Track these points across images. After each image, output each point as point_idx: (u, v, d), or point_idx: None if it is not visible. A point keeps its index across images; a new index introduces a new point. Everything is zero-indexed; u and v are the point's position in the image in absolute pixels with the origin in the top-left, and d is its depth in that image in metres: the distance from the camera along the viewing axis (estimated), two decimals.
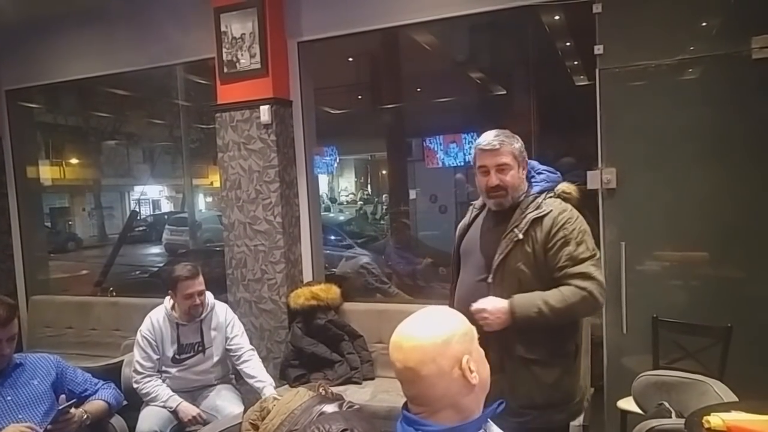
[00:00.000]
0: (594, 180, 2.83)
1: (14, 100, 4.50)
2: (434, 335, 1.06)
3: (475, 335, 1.11)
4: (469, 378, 1.06)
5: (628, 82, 2.77)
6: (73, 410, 1.94)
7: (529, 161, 1.90)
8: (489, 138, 1.82)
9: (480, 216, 1.95)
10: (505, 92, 7.59)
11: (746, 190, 2.60)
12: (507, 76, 7.40)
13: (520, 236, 1.74)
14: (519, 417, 1.70)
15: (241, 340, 2.75)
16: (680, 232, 2.73)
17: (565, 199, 1.82)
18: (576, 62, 6.28)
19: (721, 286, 2.67)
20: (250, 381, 2.65)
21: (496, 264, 1.77)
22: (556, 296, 1.68)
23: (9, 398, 1.91)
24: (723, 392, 1.91)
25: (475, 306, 1.71)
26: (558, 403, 1.79)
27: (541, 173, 1.88)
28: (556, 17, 4.96)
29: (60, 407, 1.89)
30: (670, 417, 1.90)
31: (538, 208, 1.76)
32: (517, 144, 1.83)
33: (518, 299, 1.71)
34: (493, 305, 1.72)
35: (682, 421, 1.71)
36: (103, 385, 2.23)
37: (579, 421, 2.48)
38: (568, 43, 5.82)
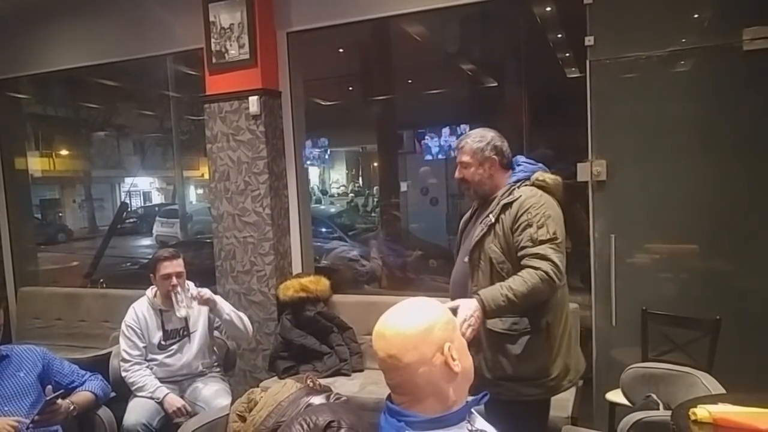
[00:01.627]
0: (584, 172, 2.83)
1: (2, 90, 4.45)
2: (416, 323, 1.07)
3: (458, 324, 1.14)
4: (451, 365, 1.06)
5: (618, 74, 2.75)
6: (59, 401, 1.94)
7: (517, 157, 2.05)
8: (462, 137, 2.06)
9: (477, 210, 2.13)
10: (496, 84, 7.56)
11: (737, 182, 2.61)
12: (498, 67, 7.37)
13: (493, 220, 1.91)
14: (493, 387, 1.75)
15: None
16: (670, 225, 2.74)
17: (540, 187, 1.94)
18: (567, 54, 6.26)
19: (710, 278, 2.68)
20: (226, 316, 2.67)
21: (473, 245, 1.95)
22: (517, 282, 1.80)
23: None
24: (711, 384, 1.91)
25: (459, 319, 1.74)
26: (529, 377, 1.89)
27: (521, 165, 2.02)
28: (548, 8, 4.94)
29: (47, 398, 1.88)
30: (658, 409, 1.91)
31: (510, 194, 1.93)
32: (478, 144, 1.98)
33: (485, 293, 1.82)
34: (468, 308, 1.77)
35: (670, 413, 1.72)
36: (90, 376, 2.22)
37: (567, 412, 2.51)
38: (559, 35, 5.80)
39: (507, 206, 1.90)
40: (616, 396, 2.47)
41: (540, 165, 2.04)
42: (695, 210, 2.67)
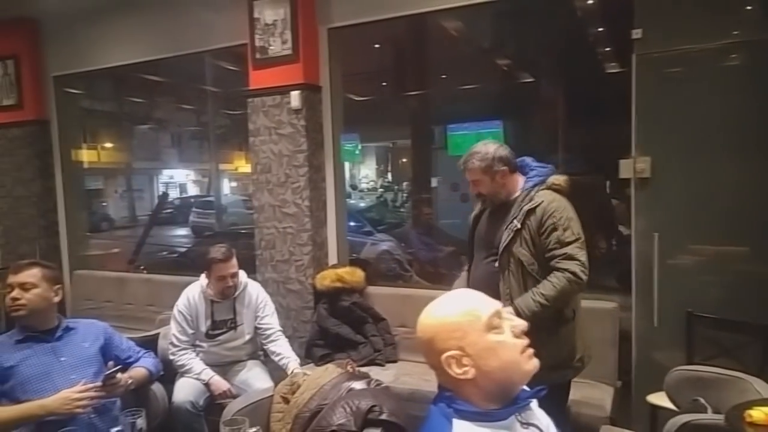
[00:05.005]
0: (626, 169, 2.78)
1: (60, 86, 4.67)
2: (423, 332, 1.07)
3: (483, 324, 1.03)
4: (456, 373, 1.03)
5: (665, 68, 2.69)
6: (119, 375, 2.03)
7: (524, 159, 2.18)
8: (463, 157, 2.16)
9: (487, 209, 2.24)
10: (532, 80, 7.47)
11: None
12: (535, 63, 7.27)
13: (519, 225, 2.04)
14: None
15: (271, 320, 2.80)
16: (717, 225, 2.65)
17: (556, 190, 2.08)
18: (608, 48, 6.13)
19: (760, 282, 2.56)
20: (276, 358, 2.72)
21: (501, 250, 2.06)
22: (547, 287, 1.97)
23: (63, 359, 2.00)
24: (764, 390, 1.84)
25: None
26: (561, 362, 2.06)
27: (534, 169, 2.15)
28: (589, 1, 4.85)
29: (107, 371, 1.98)
30: (706, 413, 1.86)
31: (531, 200, 2.05)
32: (481, 163, 2.09)
33: (519, 302, 1.98)
34: None
35: (720, 416, 1.68)
36: (144, 353, 2.32)
37: (605, 412, 2.49)
38: (600, 29, 5.69)
39: (531, 212, 2.02)
40: (658, 399, 2.42)
41: (550, 167, 2.16)
42: (745, 210, 2.57)
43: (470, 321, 1.04)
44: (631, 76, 2.73)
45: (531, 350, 1.06)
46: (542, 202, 2.02)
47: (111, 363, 2.04)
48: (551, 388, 1.91)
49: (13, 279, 2.00)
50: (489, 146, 2.12)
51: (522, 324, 1.08)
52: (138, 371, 2.20)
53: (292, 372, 2.51)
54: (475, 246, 2.23)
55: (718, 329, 2.47)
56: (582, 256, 1.97)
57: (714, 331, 2.48)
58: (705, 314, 2.53)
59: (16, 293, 1.98)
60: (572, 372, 2.13)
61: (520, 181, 2.13)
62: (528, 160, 2.18)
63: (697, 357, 2.51)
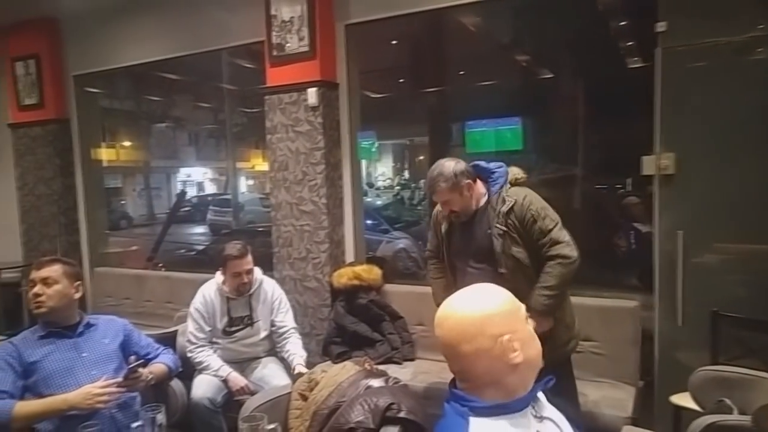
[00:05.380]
0: (649, 166, 2.73)
1: (80, 85, 4.74)
2: (474, 313, 1.05)
3: (523, 314, 1.10)
4: (510, 357, 1.03)
5: (690, 62, 2.63)
6: (141, 370, 2.06)
7: (476, 164, 2.27)
8: (427, 184, 2.25)
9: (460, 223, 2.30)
10: (552, 75, 7.37)
11: None
12: (554, 58, 7.17)
13: (504, 228, 2.14)
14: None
15: (285, 318, 2.82)
16: (743, 223, 2.59)
17: (521, 184, 2.21)
18: (630, 43, 6.01)
19: None
20: (285, 355, 2.75)
21: (498, 256, 2.15)
22: (546, 279, 2.10)
23: (85, 354, 2.03)
24: None
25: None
26: (563, 334, 2.22)
27: (494, 171, 2.23)
28: None
29: (131, 365, 2.01)
30: (732, 413, 1.82)
31: (504, 201, 2.15)
32: (446, 184, 2.15)
33: (530, 302, 2.05)
34: None
35: (746, 418, 1.63)
36: (163, 350, 2.35)
37: (627, 412, 2.45)
38: (622, 23, 5.58)
39: (509, 212, 2.13)
40: (682, 399, 2.36)
41: (502, 163, 2.25)
42: None
43: (516, 309, 1.09)
44: (654, 71, 2.67)
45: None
46: (515, 200, 2.13)
47: (133, 357, 2.07)
48: (563, 364, 2.16)
49: (35, 274, 2.04)
50: (446, 165, 2.18)
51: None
52: (158, 367, 2.24)
53: (294, 369, 2.56)
54: (456, 257, 2.32)
55: (744, 329, 2.41)
56: (564, 236, 2.12)
57: (740, 330, 2.42)
58: (730, 314, 2.47)
59: (38, 289, 2.01)
60: (576, 341, 2.31)
61: (481, 186, 2.23)
62: (482, 164, 2.27)
63: (722, 357, 2.45)
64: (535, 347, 1.09)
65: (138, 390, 2.08)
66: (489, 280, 2.03)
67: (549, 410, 1.13)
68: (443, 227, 2.34)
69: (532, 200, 2.14)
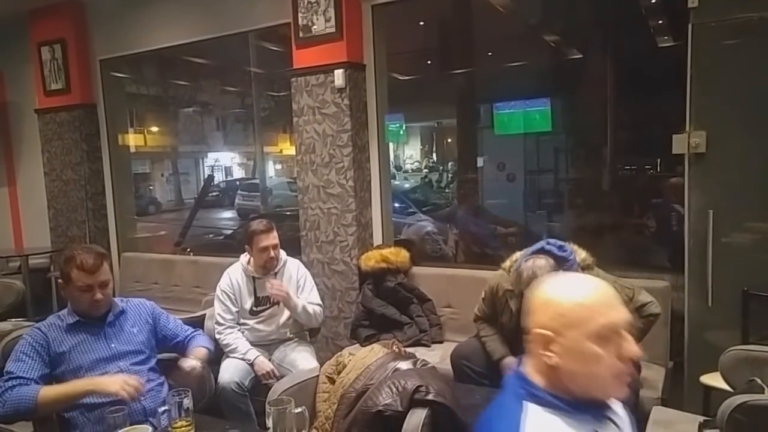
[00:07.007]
0: (680, 144, 2.67)
1: (107, 69, 4.79)
2: (539, 295, 1.04)
3: (588, 327, 0.97)
4: (541, 351, 1.01)
5: (723, 39, 2.55)
6: (192, 362, 2.09)
7: (550, 250, 2.28)
8: (518, 284, 2.26)
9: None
10: (581, 56, 7.20)
11: None
12: (583, 38, 7.00)
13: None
14: None
15: (310, 295, 2.86)
16: None
17: (588, 266, 2.40)
18: (660, 21, 5.83)
19: None
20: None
21: None
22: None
23: (113, 345, 2.00)
24: None
25: None
26: None
27: (569, 260, 2.27)
28: None
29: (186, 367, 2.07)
30: (763, 393, 1.80)
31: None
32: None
33: None
34: None
35: None
36: (193, 332, 2.32)
37: (657, 393, 2.44)
38: (653, 0, 5.41)
39: None
40: (712, 379, 2.34)
41: (564, 245, 2.33)
42: None
43: (581, 318, 0.98)
44: (686, 48, 2.60)
45: (628, 379, 1.01)
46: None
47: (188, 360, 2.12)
48: None
49: (92, 279, 1.94)
50: (541, 268, 2.17)
51: (636, 352, 0.99)
52: (200, 352, 2.19)
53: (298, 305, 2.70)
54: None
55: None
56: (648, 295, 2.41)
57: None
58: (761, 293, 2.43)
59: (98, 296, 1.95)
60: None
61: None
62: (555, 251, 2.27)
63: (753, 336, 2.43)
64: (587, 367, 0.98)
65: (191, 385, 1.96)
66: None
67: (610, 410, 1.06)
68: (512, 304, 2.43)
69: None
